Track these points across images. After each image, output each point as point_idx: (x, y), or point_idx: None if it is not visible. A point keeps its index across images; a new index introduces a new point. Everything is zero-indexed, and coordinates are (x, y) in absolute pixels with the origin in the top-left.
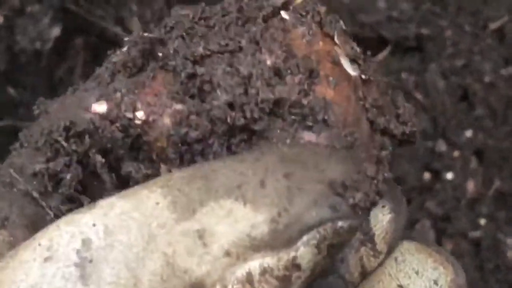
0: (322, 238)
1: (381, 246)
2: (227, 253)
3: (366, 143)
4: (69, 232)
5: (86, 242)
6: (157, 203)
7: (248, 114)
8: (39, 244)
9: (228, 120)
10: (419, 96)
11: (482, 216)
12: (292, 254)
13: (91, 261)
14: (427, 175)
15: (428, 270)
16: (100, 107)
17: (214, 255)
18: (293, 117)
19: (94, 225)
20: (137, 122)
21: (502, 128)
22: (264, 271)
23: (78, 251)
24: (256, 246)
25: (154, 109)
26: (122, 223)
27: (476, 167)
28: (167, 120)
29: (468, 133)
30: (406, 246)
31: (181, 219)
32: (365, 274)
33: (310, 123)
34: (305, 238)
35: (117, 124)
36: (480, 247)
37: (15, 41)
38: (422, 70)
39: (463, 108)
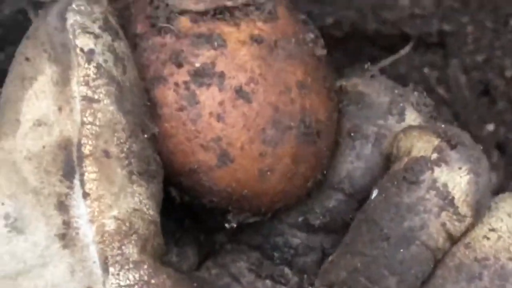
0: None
1: (463, 209)
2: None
3: None
4: None
5: None
6: None
7: None
8: None
9: None
10: (441, 90)
11: None
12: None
13: None
14: None
15: None
16: None
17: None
18: None
19: None
20: None
21: None
22: None
23: None
24: None
25: None
26: None
27: (497, 160)
28: None
29: (490, 127)
30: (499, 196)
31: None
32: (454, 240)
33: None
34: None
35: None
36: None
37: None
38: (444, 66)
39: (485, 102)
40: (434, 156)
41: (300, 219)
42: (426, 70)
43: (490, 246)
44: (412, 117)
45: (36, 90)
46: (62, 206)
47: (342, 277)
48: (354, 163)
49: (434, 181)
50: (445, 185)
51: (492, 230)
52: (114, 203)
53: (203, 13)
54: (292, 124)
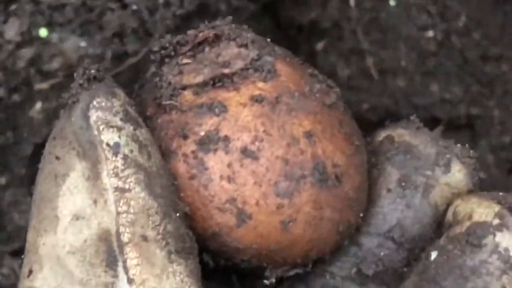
0: None
1: None
2: None
3: None
4: None
5: None
6: None
7: None
8: None
9: None
10: None
11: None
12: None
13: None
14: None
15: None
16: None
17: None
18: None
19: None
20: None
21: None
22: None
23: None
24: None
25: None
26: None
27: None
28: None
29: None
30: None
31: None
32: None
33: None
34: None
35: None
36: None
37: None
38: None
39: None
40: (496, 221)
41: (353, 270)
42: None
43: None
44: (457, 168)
45: (70, 186)
46: None
47: None
48: (404, 212)
49: (497, 245)
50: (506, 249)
51: None
52: (158, 285)
53: (204, 85)
54: (305, 173)
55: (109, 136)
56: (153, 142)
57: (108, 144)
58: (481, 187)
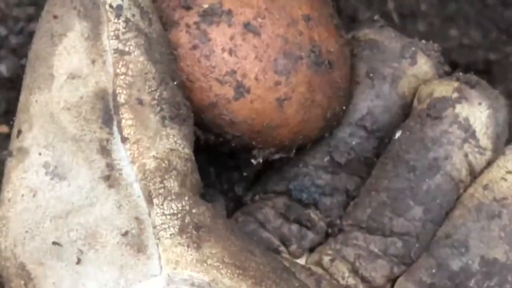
0: None
1: (484, 141)
2: None
3: None
4: None
5: None
6: None
7: None
8: None
9: None
10: None
11: None
12: None
13: None
14: None
15: None
16: None
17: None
18: None
19: None
20: None
21: None
22: None
23: None
24: None
25: None
26: None
27: None
28: None
29: None
30: None
31: None
32: (474, 174)
33: None
34: None
35: None
36: None
37: None
38: None
39: None
40: (455, 95)
41: (325, 159)
42: None
43: (508, 187)
44: (422, 61)
45: (67, 46)
46: (105, 151)
47: (367, 214)
48: (374, 101)
49: (456, 116)
50: (466, 119)
51: (509, 172)
52: (151, 145)
53: None
54: (302, 54)
55: None
56: (154, 10)
57: (111, 6)
58: None
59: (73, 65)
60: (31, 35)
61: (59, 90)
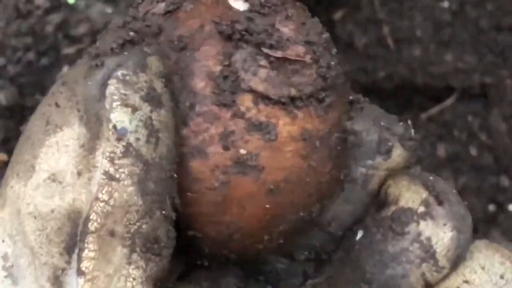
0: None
1: (443, 262)
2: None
3: None
4: None
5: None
6: None
7: None
8: None
9: None
10: (483, 137)
11: None
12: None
13: None
14: (491, 207)
15: (494, 265)
16: None
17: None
18: None
19: None
20: None
21: None
22: None
23: None
24: None
25: None
26: None
27: None
28: None
29: None
30: (475, 244)
31: None
32: (430, 286)
33: None
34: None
35: None
36: None
37: None
38: (486, 115)
39: None
40: (421, 209)
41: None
42: (469, 118)
43: None
44: (397, 152)
45: (59, 141)
46: (56, 282)
47: None
48: (342, 205)
49: (419, 234)
50: (428, 239)
51: (466, 282)
52: (106, 286)
53: (267, 97)
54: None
55: (119, 118)
56: (169, 125)
57: (114, 127)
58: (493, 154)
59: (58, 166)
60: (29, 64)
61: (34, 190)
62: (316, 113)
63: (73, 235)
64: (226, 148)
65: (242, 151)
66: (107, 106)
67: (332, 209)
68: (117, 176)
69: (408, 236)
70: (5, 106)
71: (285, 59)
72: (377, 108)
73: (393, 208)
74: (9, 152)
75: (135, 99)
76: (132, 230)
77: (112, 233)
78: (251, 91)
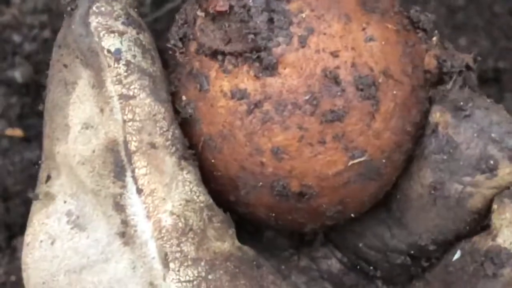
0: None
1: None
2: None
3: None
4: None
5: None
6: None
7: None
8: None
9: None
10: None
11: None
12: None
13: None
14: None
15: None
16: None
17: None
18: None
19: None
20: None
21: None
22: None
23: None
24: None
25: None
26: None
27: None
28: None
29: None
30: None
31: None
32: None
33: None
34: None
35: None
36: None
37: None
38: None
39: None
40: None
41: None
42: None
43: None
44: (506, 171)
45: (79, 94)
46: (119, 207)
47: None
48: (434, 220)
49: (510, 280)
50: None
51: None
52: (167, 195)
53: (203, 47)
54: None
55: (110, 42)
56: (156, 48)
57: (109, 51)
58: None
59: (85, 114)
60: (45, 42)
61: (74, 142)
62: (250, 74)
63: (117, 161)
64: (173, 94)
65: (184, 98)
66: (96, 39)
67: (423, 222)
68: (131, 93)
69: (502, 279)
70: (20, 83)
71: (217, 13)
72: (495, 112)
73: (489, 242)
74: (25, 128)
75: (118, 25)
76: (169, 137)
77: (153, 145)
78: (194, 39)
